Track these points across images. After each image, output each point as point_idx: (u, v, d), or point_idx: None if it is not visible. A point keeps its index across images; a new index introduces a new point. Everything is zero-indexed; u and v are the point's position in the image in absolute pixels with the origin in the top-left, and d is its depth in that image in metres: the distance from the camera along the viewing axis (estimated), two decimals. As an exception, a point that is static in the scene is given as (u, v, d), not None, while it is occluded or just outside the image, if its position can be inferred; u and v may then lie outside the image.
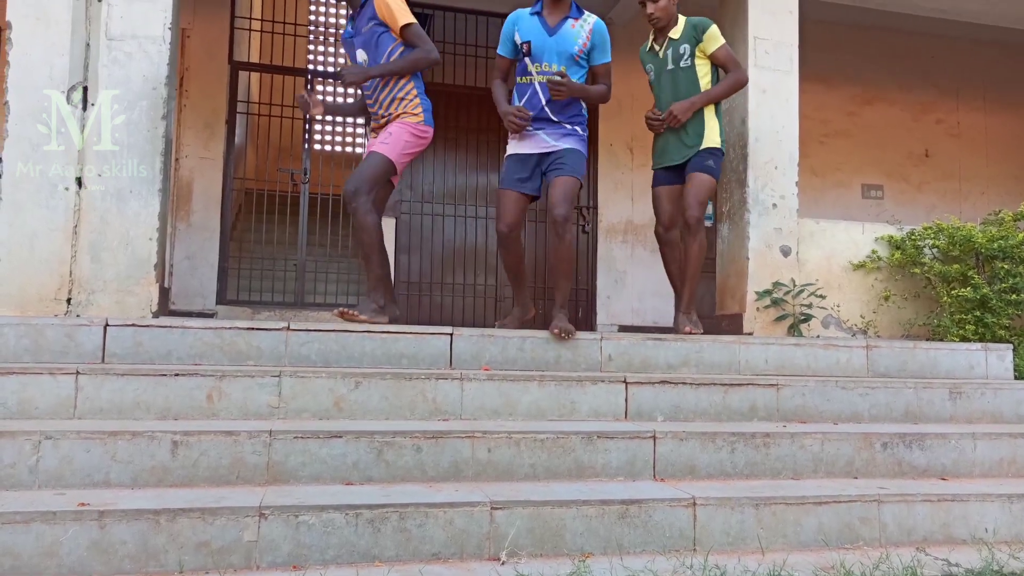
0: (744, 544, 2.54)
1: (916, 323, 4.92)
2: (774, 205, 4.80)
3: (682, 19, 4.09)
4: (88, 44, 3.88)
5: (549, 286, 4.25)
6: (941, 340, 4.62)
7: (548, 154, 3.70)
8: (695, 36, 4.01)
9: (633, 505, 2.49)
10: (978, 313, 4.59)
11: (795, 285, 4.69)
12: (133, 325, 3.22)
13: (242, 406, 2.91)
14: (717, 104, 4.13)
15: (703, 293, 7.17)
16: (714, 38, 4.02)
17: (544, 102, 3.68)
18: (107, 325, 3.20)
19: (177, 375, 2.88)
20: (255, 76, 7.24)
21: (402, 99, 3.81)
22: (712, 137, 4.06)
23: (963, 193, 8.05)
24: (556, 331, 3.54)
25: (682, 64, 4.03)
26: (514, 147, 3.78)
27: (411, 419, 3.01)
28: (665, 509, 2.51)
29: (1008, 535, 2.77)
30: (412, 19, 3.76)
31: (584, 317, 7.09)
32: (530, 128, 3.71)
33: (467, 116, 6.97)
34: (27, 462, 2.41)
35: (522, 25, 3.68)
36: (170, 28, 3.93)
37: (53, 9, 3.81)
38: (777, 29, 4.88)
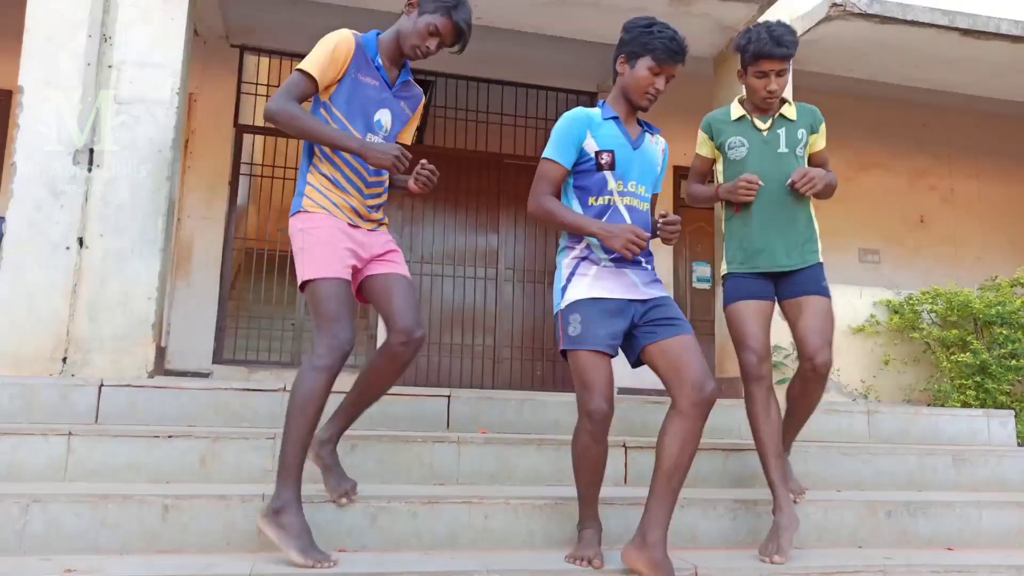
0: (748, 617, 2.47)
1: (916, 388, 4.89)
2: (772, 269, 4.82)
3: (789, 100, 3.12)
4: (98, 108, 3.96)
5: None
6: (942, 405, 4.59)
7: (640, 304, 2.59)
8: (812, 125, 3.07)
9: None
10: (978, 378, 4.58)
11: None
12: (128, 386, 3.19)
13: (235, 469, 2.86)
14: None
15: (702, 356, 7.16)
16: (824, 133, 3.12)
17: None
18: (102, 385, 3.18)
19: (170, 437, 2.84)
20: (259, 138, 7.37)
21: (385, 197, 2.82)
22: (818, 245, 3.04)
23: (959, 258, 8.11)
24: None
25: (798, 151, 3.01)
26: (592, 289, 2.55)
27: (407, 483, 2.97)
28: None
29: (1019, 609, 2.70)
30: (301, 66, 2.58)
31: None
32: (608, 262, 2.60)
33: (466, 179, 7.06)
34: (14, 526, 2.36)
35: (597, 130, 2.62)
36: (178, 93, 4.02)
37: (64, 74, 3.90)
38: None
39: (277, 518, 2.30)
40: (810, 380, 2.91)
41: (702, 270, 7.49)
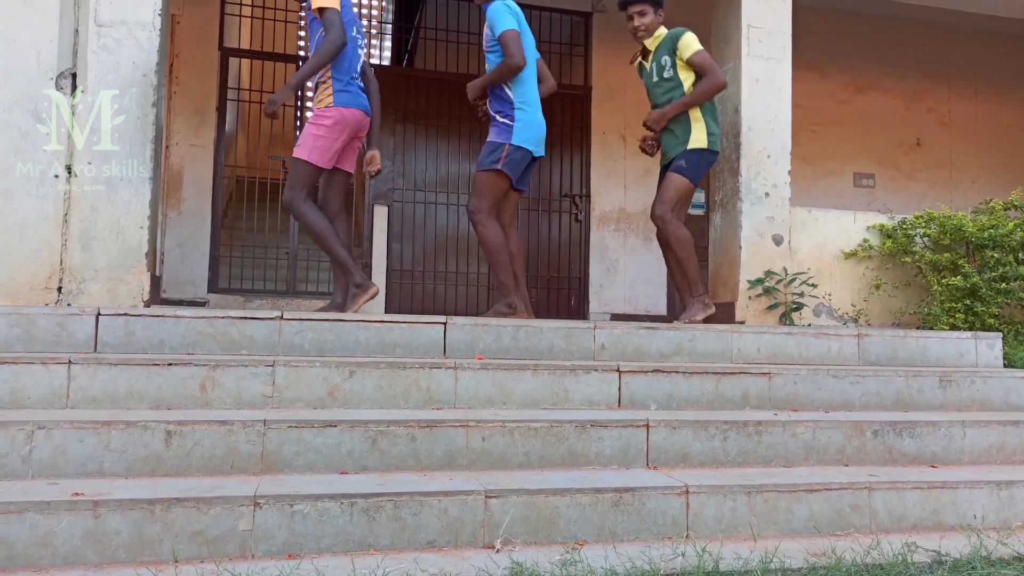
0: (736, 531, 2.56)
1: (907, 311, 4.95)
2: (766, 194, 4.81)
3: (662, 30, 4.27)
4: (77, 30, 3.84)
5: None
6: (931, 328, 4.65)
7: None
8: (671, 46, 4.18)
9: (626, 493, 2.50)
10: (968, 302, 4.63)
11: (787, 274, 4.71)
12: (125, 315, 3.20)
13: (236, 395, 2.90)
14: (706, 105, 4.23)
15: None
16: (687, 46, 4.16)
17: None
18: (99, 314, 3.18)
19: (170, 364, 2.87)
20: (245, 62, 7.18)
21: (318, 90, 3.89)
22: (697, 138, 4.19)
23: (954, 181, 8.09)
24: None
25: (665, 75, 4.22)
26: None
27: (405, 408, 3.02)
28: (658, 497, 2.53)
29: (996, 521, 2.80)
30: (328, 3, 3.71)
31: (576, 306, 7.11)
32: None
33: (459, 103, 6.92)
34: (20, 452, 2.41)
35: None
36: (160, 14, 3.89)
37: (41, -6, 3.77)
38: (771, 18, 4.87)
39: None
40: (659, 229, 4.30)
41: (696, 196, 7.43)
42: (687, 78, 4.20)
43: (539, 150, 4.13)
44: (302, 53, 9.83)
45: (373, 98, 4.11)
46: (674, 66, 4.19)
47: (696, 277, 4.24)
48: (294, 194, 3.81)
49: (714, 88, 4.19)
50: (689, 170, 4.18)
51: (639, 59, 4.42)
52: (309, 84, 4.07)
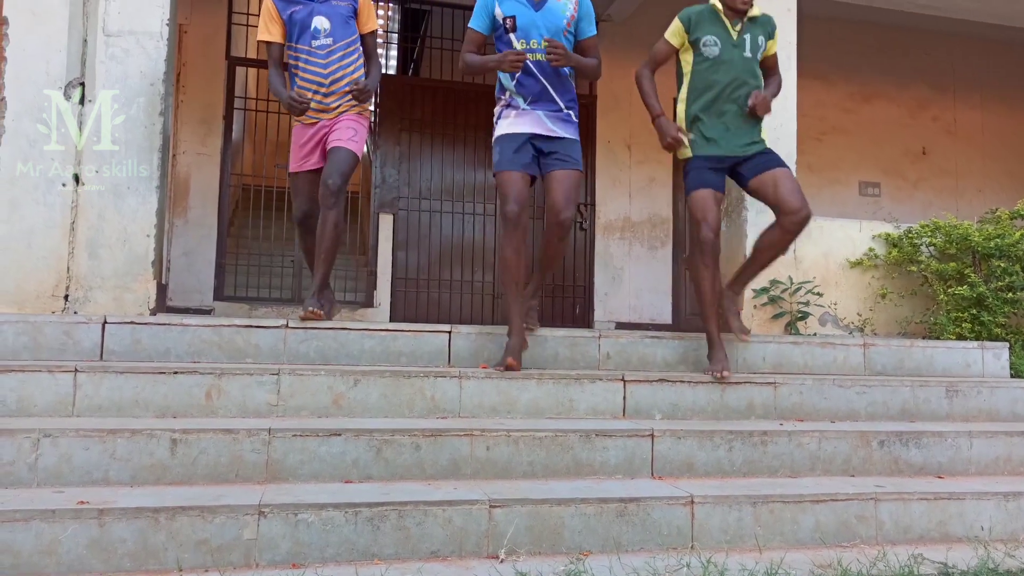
0: (742, 542, 2.55)
1: (913, 321, 4.93)
2: (772, 203, 4.80)
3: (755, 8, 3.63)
4: (85, 40, 3.87)
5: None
6: (938, 338, 4.63)
7: (546, 139, 3.41)
8: (770, 31, 3.63)
9: (631, 503, 2.49)
10: (974, 311, 4.61)
11: (792, 283, 4.70)
12: (131, 323, 3.21)
13: (241, 404, 2.91)
14: None
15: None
16: (778, 39, 3.73)
17: (543, 78, 3.38)
18: (105, 322, 3.20)
19: (176, 373, 2.88)
20: (252, 71, 7.22)
21: (365, 93, 3.77)
22: (763, 135, 3.67)
23: (959, 190, 8.07)
24: (533, 323, 3.61)
25: (758, 55, 3.59)
26: (509, 126, 3.41)
27: (410, 417, 3.02)
28: (663, 507, 2.52)
29: (1004, 533, 2.79)
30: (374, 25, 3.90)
31: (581, 314, 7.10)
32: (525, 105, 3.40)
33: (464, 113, 6.96)
34: (26, 460, 2.41)
35: (504, 0, 3.39)
36: (168, 24, 3.92)
37: (50, 5, 3.80)
38: (780, 25, 4.86)
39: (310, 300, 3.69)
40: (789, 232, 3.52)
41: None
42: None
43: None
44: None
45: None
46: (761, 51, 3.60)
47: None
48: (344, 185, 3.68)
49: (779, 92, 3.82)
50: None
51: (722, 15, 3.54)
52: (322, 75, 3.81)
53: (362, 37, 3.83)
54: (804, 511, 2.63)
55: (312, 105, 3.67)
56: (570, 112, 3.48)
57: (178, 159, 6.20)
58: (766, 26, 3.61)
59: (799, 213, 3.46)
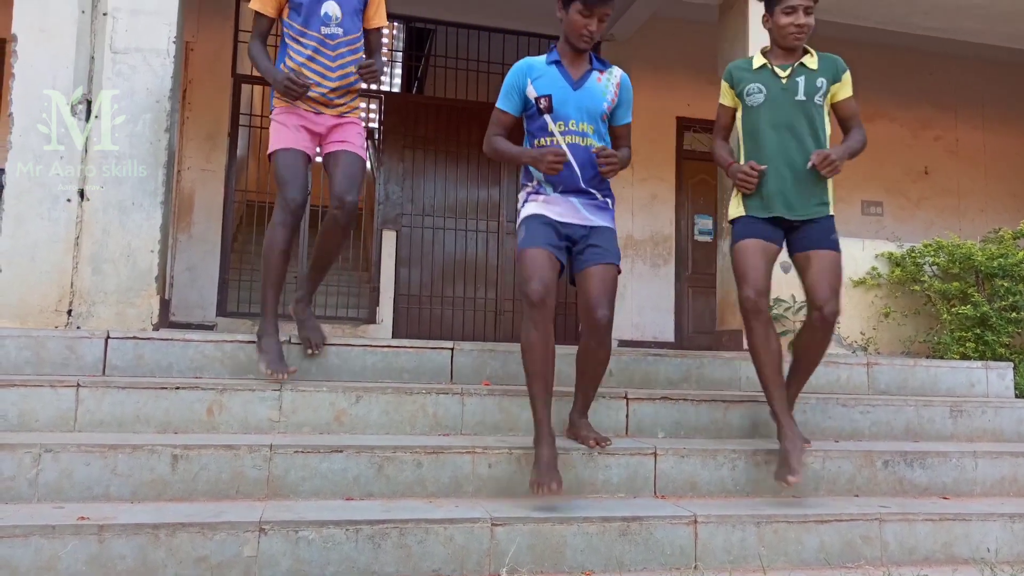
0: (745, 562, 2.53)
1: (916, 340, 4.92)
2: (774, 221, 4.80)
3: (811, 50, 3.12)
4: (93, 57, 3.90)
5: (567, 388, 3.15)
6: (941, 357, 4.62)
7: (580, 227, 2.91)
8: (834, 74, 3.08)
9: (634, 522, 2.48)
10: (978, 331, 4.60)
11: (795, 301, 4.69)
12: (134, 338, 3.21)
13: (242, 420, 2.90)
14: None
15: (703, 309, 7.20)
16: (849, 83, 3.13)
17: (578, 168, 2.88)
18: (108, 337, 3.20)
19: (178, 388, 2.87)
20: (257, 89, 7.27)
21: (356, 93, 3.39)
22: (829, 199, 3.06)
23: (962, 210, 8.08)
24: (593, 442, 2.85)
25: (816, 100, 3.04)
26: (539, 208, 2.88)
27: (412, 434, 3.01)
28: (666, 526, 2.50)
29: (1010, 555, 2.76)
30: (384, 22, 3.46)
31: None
32: (555, 193, 2.90)
33: (468, 130, 6.99)
34: (27, 475, 2.40)
35: (537, 76, 2.88)
36: (174, 42, 3.95)
37: (58, 22, 3.83)
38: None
39: (259, 342, 3.13)
40: (818, 329, 2.94)
41: (704, 223, 7.47)
42: (826, 119, 3.11)
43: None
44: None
45: None
46: (825, 96, 3.06)
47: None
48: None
49: (864, 146, 3.11)
50: (838, 244, 3.04)
51: (766, 61, 3.10)
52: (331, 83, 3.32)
53: (368, 33, 3.42)
54: (808, 531, 2.61)
55: (311, 94, 3.20)
56: (607, 200, 3.04)
57: (183, 175, 6.23)
58: (829, 68, 3.07)
59: (822, 308, 2.89)
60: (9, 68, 3.83)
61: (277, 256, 3.17)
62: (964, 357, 4.55)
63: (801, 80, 3.04)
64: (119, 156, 3.84)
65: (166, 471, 2.49)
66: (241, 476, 2.53)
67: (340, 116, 3.31)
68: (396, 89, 8.19)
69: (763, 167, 2.99)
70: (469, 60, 7.14)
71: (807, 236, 3.00)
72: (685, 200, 7.42)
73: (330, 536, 2.26)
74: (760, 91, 3.07)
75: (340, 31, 3.26)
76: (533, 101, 2.88)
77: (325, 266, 3.43)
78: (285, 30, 3.25)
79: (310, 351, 3.29)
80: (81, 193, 3.79)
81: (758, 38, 4.89)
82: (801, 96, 3.03)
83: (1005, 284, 4.61)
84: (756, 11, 4.97)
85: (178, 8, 3.98)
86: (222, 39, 6.47)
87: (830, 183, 3.04)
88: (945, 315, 4.71)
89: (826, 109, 3.09)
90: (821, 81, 3.05)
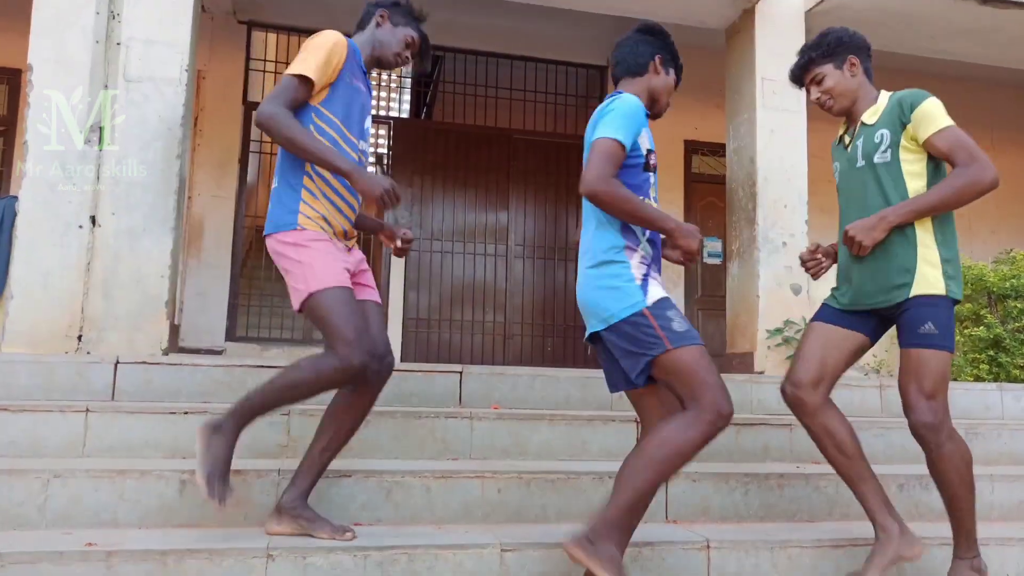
0: (759, 589, 2.49)
1: (929, 362, 4.87)
2: (784, 243, 4.80)
3: (884, 96, 2.55)
4: (106, 86, 3.96)
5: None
6: (955, 379, 4.57)
7: None
8: (900, 116, 2.45)
9: (646, 547, 2.44)
10: (992, 352, 4.56)
11: (805, 322, 4.66)
12: (143, 363, 3.22)
13: (251, 445, 2.88)
14: (941, 222, 2.48)
15: (713, 332, 7.16)
16: (929, 118, 2.43)
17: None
18: (118, 363, 3.20)
19: (186, 413, 2.87)
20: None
21: None
22: (929, 277, 2.39)
23: (973, 231, 8.03)
24: None
25: (877, 159, 2.47)
26: (662, 289, 2.31)
27: (420, 458, 2.99)
28: (678, 552, 2.47)
29: (1030, 580, 2.71)
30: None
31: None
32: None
33: (476, 155, 7.03)
34: (36, 501, 2.40)
35: (646, 126, 2.35)
36: (187, 70, 4.00)
37: (73, 52, 3.90)
38: (784, 70, 4.88)
39: (212, 433, 2.26)
40: (915, 436, 2.45)
41: (713, 245, 7.45)
42: (915, 169, 2.46)
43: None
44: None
45: None
46: (896, 145, 2.45)
47: (973, 522, 2.49)
48: None
49: (973, 187, 2.41)
50: (940, 336, 2.35)
51: (840, 133, 2.67)
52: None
53: None
54: (823, 556, 2.57)
55: (342, 222, 2.47)
56: None
57: (193, 201, 6.28)
58: (893, 113, 2.47)
59: (909, 415, 2.41)
60: (25, 97, 3.89)
61: (302, 397, 2.38)
62: (978, 379, 4.50)
63: (860, 143, 2.53)
64: (130, 183, 3.88)
65: (174, 496, 2.47)
66: (249, 501, 2.51)
67: (352, 251, 2.56)
68: (405, 115, 8.26)
69: (824, 246, 2.66)
70: (478, 86, 7.20)
71: (899, 328, 2.44)
72: (694, 223, 7.40)
73: (338, 562, 2.23)
74: (837, 168, 2.66)
75: (369, 151, 2.64)
76: (644, 152, 2.31)
77: (342, 445, 2.47)
78: (314, 117, 2.42)
79: (348, 535, 2.34)
80: (92, 220, 3.82)
81: (765, 64, 4.93)
82: (861, 162, 2.52)
83: (1018, 305, 4.58)
84: (763, 35, 5.01)
85: (191, 37, 4.05)
86: (234, 67, 6.55)
87: (922, 250, 2.40)
88: (958, 337, 4.67)
89: (904, 164, 2.45)
90: (881, 134, 2.48)
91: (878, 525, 2.46)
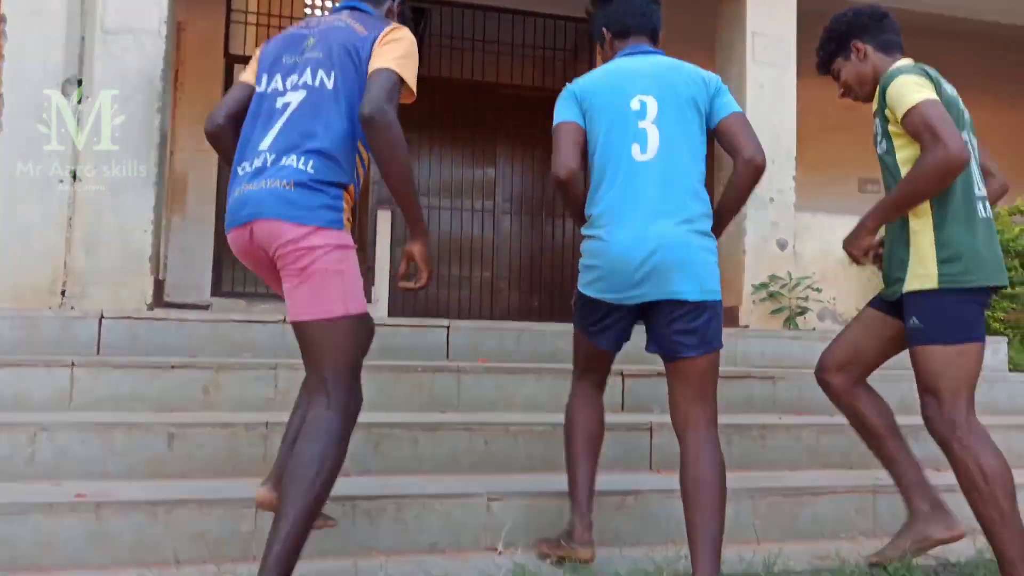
0: (740, 534, 2.54)
1: (912, 316, 4.93)
2: (771, 199, 4.80)
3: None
4: (83, 38, 3.86)
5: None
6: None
7: None
8: (881, 102, 2.35)
9: (630, 496, 2.49)
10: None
11: (791, 278, 4.69)
12: (128, 317, 3.21)
13: (238, 398, 2.90)
14: (942, 205, 2.23)
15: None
16: (898, 100, 2.24)
17: None
18: (102, 317, 3.19)
19: (173, 367, 2.88)
20: (251, 69, 7.22)
21: None
22: (922, 268, 2.23)
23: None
24: None
25: (877, 149, 2.41)
26: None
27: (408, 411, 3.01)
28: (662, 500, 2.52)
29: (1003, 526, 2.78)
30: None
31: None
32: None
33: (462, 109, 6.95)
34: (23, 454, 2.41)
35: None
36: (166, 22, 3.91)
37: (49, 3, 3.79)
38: (775, 24, 4.87)
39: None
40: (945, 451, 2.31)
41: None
42: (907, 157, 2.28)
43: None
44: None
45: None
46: (887, 136, 2.34)
47: (1015, 549, 2.11)
48: None
49: (935, 170, 2.14)
50: (928, 331, 2.24)
51: None
52: None
53: None
54: (803, 504, 2.63)
55: None
56: None
57: (176, 156, 6.19)
58: (879, 101, 2.37)
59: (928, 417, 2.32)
60: (0, 49, 3.79)
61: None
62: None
63: (874, 135, 2.44)
64: (111, 138, 3.82)
65: (163, 449, 2.49)
66: (238, 454, 2.54)
67: None
68: (390, 69, 8.14)
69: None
70: (464, 39, 7.08)
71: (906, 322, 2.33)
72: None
73: (327, 511, 2.26)
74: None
75: None
76: None
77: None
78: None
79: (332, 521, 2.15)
80: (74, 175, 3.77)
81: (756, 18, 4.85)
82: (878, 151, 2.42)
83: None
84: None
85: (169, -14, 3.94)
86: (215, 19, 6.40)
87: (915, 246, 2.25)
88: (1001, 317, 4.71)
89: (899, 152, 2.32)
90: (876, 124, 2.41)
91: (910, 506, 2.43)
